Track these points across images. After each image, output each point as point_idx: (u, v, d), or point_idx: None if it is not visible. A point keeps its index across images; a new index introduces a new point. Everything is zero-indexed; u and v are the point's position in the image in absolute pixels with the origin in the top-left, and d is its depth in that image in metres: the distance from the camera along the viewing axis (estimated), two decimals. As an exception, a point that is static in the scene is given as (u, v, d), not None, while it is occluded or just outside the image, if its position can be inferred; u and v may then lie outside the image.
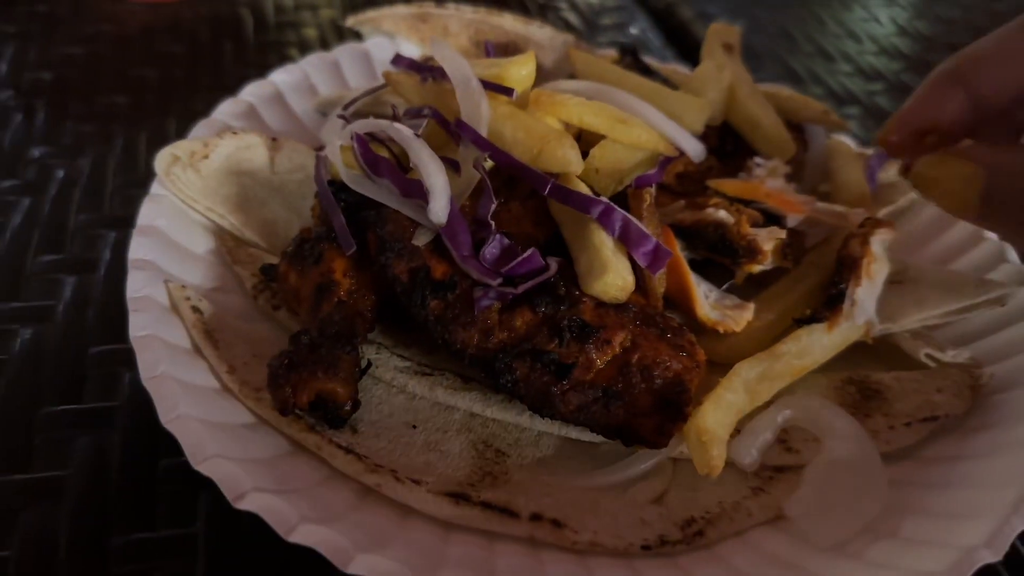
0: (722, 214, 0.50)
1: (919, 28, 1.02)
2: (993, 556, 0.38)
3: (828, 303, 0.47)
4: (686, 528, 0.41)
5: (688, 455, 0.45)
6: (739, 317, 0.48)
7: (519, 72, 0.52)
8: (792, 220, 0.53)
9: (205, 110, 0.62)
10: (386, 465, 0.42)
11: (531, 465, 0.44)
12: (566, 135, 0.50)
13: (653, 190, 0.50)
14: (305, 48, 0.83)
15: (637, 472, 0.45)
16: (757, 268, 0.50)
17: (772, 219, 0.53)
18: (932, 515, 0.42)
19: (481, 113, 0.50)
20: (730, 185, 0.54)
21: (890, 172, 0.61)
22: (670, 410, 0.43)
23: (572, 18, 0.93)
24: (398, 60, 0.55)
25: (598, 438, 0.45)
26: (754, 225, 0.50)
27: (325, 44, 0.84)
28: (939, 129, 0.42)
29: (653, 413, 0.43)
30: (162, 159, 0.52)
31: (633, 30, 0.93)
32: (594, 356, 0.43)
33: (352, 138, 0.49)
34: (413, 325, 0.48)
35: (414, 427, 0.45)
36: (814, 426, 0.45)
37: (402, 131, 0.48)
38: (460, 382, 0.47)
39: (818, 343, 0.46)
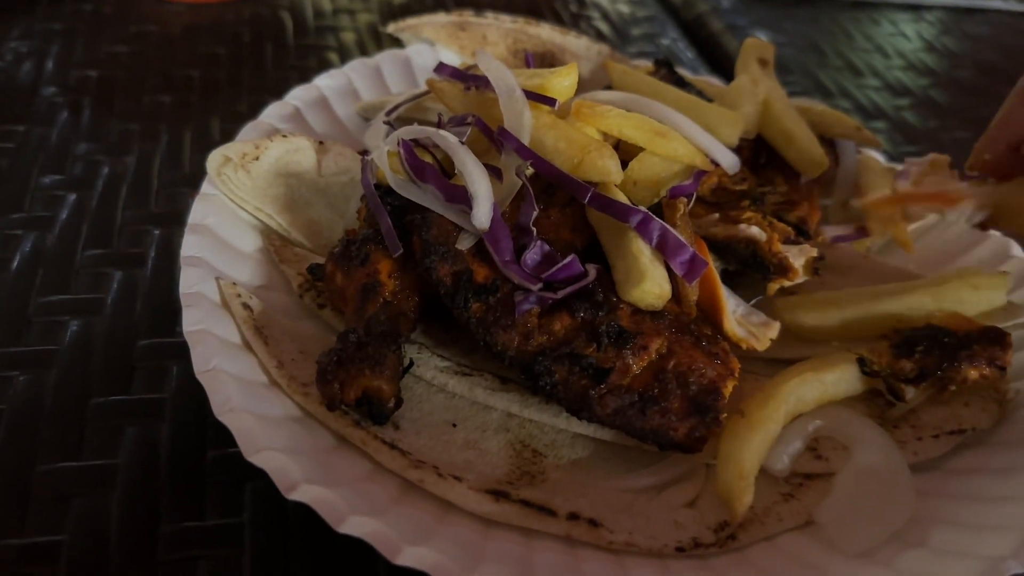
0: (754, 230, 0.51)
1: (946, 44, 1.02)
2: (1020, 567, 0.39)
3: (920, 379, 0.48)
4: (719, 531, 0.43)
5: (714, 461, 0.46)
6: (763, 335, 0.49)
7: (561, 83, 0.53)
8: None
9: (248, 111, 0.64)
10: (428, 461, 0.43)
11: (567, 466, 0.46)
12: (606, 146, 0.51)
13: (687, 201, 0.51)
14: (344, 52, 0.84)
15: (671, 476, 0.46)
16: (788, 283, 0.51)
17: (802, 233, 0.54)
18: (959, 526, 0.43)
19: (524, 122, 0.51)
20: (879, 201, 0.56)
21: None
22: (705, 416, 0.44)
23: (604, 28, 0.95)
24: (441, 68, 0.57)
25: (633, 441, 0.46)
26: (785, 242, 0.51)
27: (363, 49, 0.85)
28: None
29: (688, 418, 0.45)
30: (214, 159, 0.53)
31: (664, 41, 0.94)
32: (631, 361, 0.45)
33: (399, 144, 0.51)
34: (454, 326, 0.49)
35: (454, 425, 0.46)
36: (843, 435, 0.46)
37: (448, 138, 0.50)
38: (499, 382, 0.48)
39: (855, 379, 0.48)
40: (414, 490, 0.42)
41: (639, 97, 0.57)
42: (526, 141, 0.50)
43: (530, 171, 0.50)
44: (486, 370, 0.49)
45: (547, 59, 0.71)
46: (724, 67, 0.79)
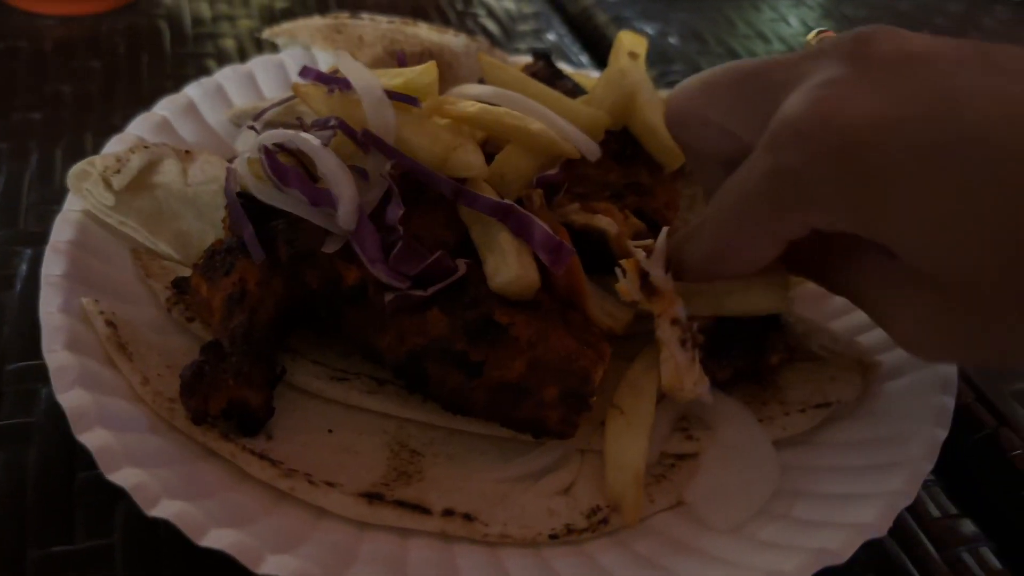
0: (606, 222, 0.52)
1: (826, 28, 1.06)
2: (879, 532, 0.41)
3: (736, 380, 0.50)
4: (591, 516, 0.44)
5: (594, 447, 0.47)
6: (621, 319, 0.50)
7: (422, 81, 0.53)
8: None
9: (122, 123, 0.62)
10: (301, 469, 0.43)
11: (445, 462, 0.46)
12: (470, 141, 0.52)
13: (542, 192, 0.52)
14: (223, 59, 0.83)
15: (546, 463, 0.47)
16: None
17: (655, 225, 0.56)
18: (824, 497, 0.45)
19: (387, 122, 0.51)
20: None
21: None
22: (576, 401, 0.45)
23: (490, 25, 0.95)
24: (306, 72, 0.56)
25: (510, 432, 0.47)
26: (636, 237, 0.52)
27: (244, 55, 0.84)
28: None
29: (560, 405, 0.46)
30: (74, 174, 0.52)
31: (550, 36, 0.95)
32: (503, 353, 0.45)
33: (260, 150, 0.50)
34: (327, 331, 0.49)
35: (330, 431, 0.46)
36: (707, 414, 0.47)
37: (309, 141, 0.50)
38: (375, 384, 0.48)
39: None
40: (288, 498, 0.42)
41: (504, 91, 0.58)
42: (391, 141, 0.51)
43: (397, 171, 0.51)
44: (362, 373, 0.49)
45: (425, 58, 0.69)
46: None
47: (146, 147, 0.54)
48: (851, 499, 0.43)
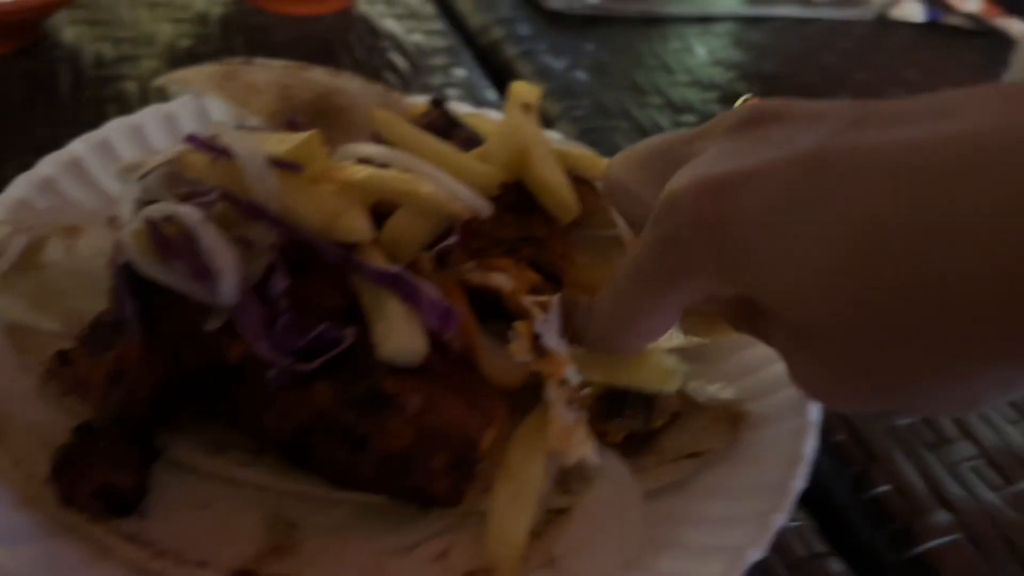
0: (501, 279, 0.53)
1: (731, 56, 1.08)
2: (725, 589, 0.43)
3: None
4: (466, 582, 0.45)
5: (477, 508, 0.48)
6: (516, 374, 0.51)
7: (307, 148, 0.54)
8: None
9: (13, 175, 0.61)
10: (173, 549, 0.43)
11: (324, 534, 0.47)
12: (355, 206, 0.52)
13: (431, 256, 0.53)
14: (123, 103, 0.82)
15: (429, 532, 0.48)
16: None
17: (553, 279, 0.57)
18: (685, 549, 0.46)
19: (270, 190, 0.51)
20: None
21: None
22: (463, 469, 0.46)
23: (399, 60, 0.96)
24: (192, 139, 0.56)
25: (391, 501, 0.48)
26: (532, 291, 0.53)
27: (145, 99, 0.83)
28: None
29: (447, 474, 0.46)
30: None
31: (459, 71, 0.96)
32: (390, 424, 0.46)
33: (145, 223, 0.50)
34: (210, 410, 0.49)
35: (205, 507, 0.47)
36: (583, 467, 0.49)
37: (189, 215, 0.50)
38: (252, 456, 0.49)
39: None
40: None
41: (394, 152, 0.58)
42: (275, 210, 0.51)
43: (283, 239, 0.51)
44: (241, 446, 0.49)
45: (319, 103, 0.71)
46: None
47: (29, 227, 0.54)
48: (706, 553, 0.45)
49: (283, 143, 0.55)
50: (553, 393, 0.48)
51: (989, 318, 0.29)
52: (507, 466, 0.48)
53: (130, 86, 0.85)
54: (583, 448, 0.47)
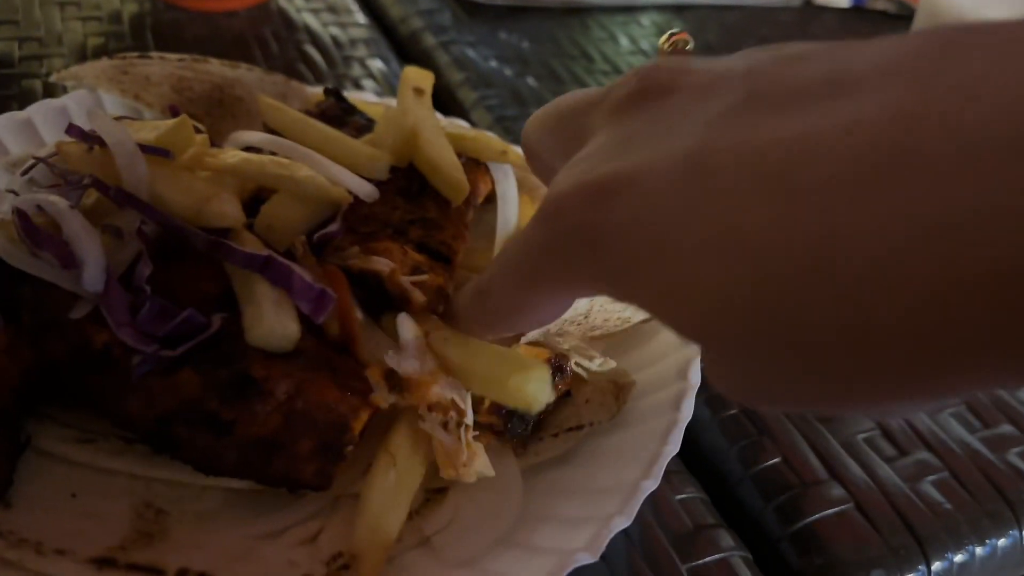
0: (380, 262, 0.53)
1: (655, 44, 1.09)
2: (591, 557, 0.43)
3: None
4: (331, 563, 0.44)
5: (350, 491, 0.48)
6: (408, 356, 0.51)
7: (177, 135, 0.53)
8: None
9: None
10: (33, 538, 0.43)
11: (192, 520, 0.46)
12: (224, 192, 0.52)
13: (304, 240, 0.53)
14: (26, 100, 0.81)
15: (300, 516, 0.47)
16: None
17: (443, 259, 0.57)
18: (557, 521, 0.46)
19: (140, 177, 0.51)
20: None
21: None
22: (331, 452, 0.46)
23: (313, 52, 0.95)
24: (71, 130, 0.56)
25: (263, 487, 0.48)
26: (414, 272, 0.53)
27: (50, 95, 0.82)
28: None
29: (314, 458, 0.46)
30: None
31: (377, 63, 0.95)
32: (257, 409, 0.46)
33: (13, 211, 0.50)
34: (76, 400, 0.49)
35: (73, 496, 0.46)
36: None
37: (56, 203, 0.49)
38: (123, 444, 0.48)
39: None
40: (15, 567, 0.42)
41: (276, 138, 0.58)
42: (144, 196, 0.51)
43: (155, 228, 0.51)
44: (112, 433, 0.48)
45: (215, 94, 0.71)
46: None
47: None
48: (574, 523, 0.45)
49: (154, 130, 0.54)
50: (427, 421, 0.47)
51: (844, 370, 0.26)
52: (389, 452, 0.48)
53: (35, 84, 0.84)
54: (473, 466, 0.46)
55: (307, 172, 0.55)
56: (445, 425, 0.47)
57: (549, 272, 0.38)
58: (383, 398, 0.47)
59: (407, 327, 0.50)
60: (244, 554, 0.44)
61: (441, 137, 0.64)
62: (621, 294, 0.35)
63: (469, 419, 0.48)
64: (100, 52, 0.90)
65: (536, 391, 0.47)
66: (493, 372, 0.48)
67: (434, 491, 0.49)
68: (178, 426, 0.45)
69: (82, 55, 0.89)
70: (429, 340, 0.50)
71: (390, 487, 0.46)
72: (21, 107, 0.78)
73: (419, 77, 0.68)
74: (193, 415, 0.45)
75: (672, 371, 0.53)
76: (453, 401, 0.48)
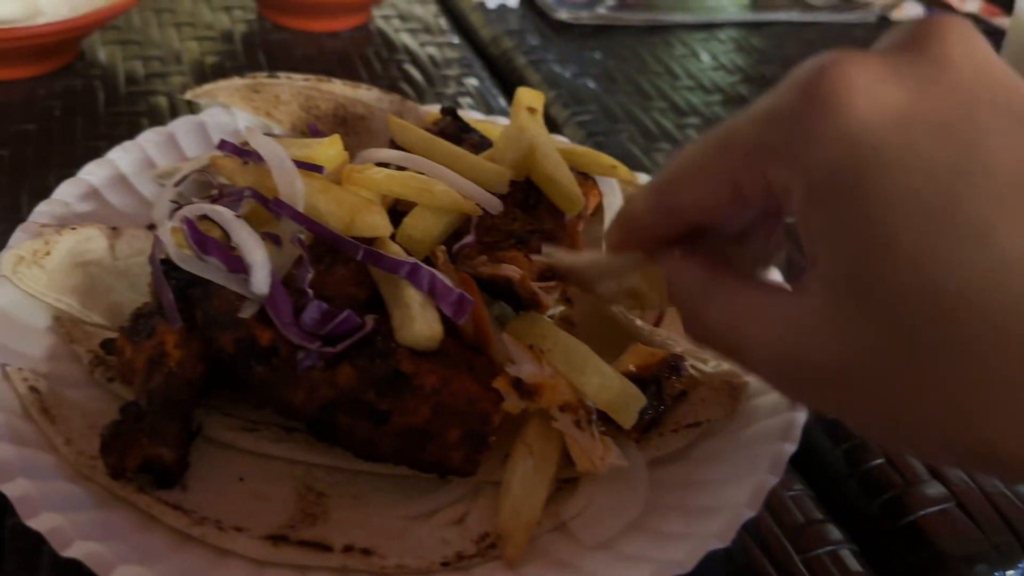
0: (511, 269, 0.57)
1: (734, 60, 1.12)
2: (722, 543, 0.46)
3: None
4: (480, 542, 0.48)
5: (492, 479, 0.52)
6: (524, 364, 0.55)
7: (328, 152, 0.59)
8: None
9: (56, 186, 0.66)
10: (212, 517, 0.47)
11: (349, 502, 0.51)
12: (374, 204, 0.57)
13: (444, 248, 0.57)
14: (155, 116, 0.87)
15: (447, 499, 0.52)
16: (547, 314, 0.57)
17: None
18: (686, 511, 0.50)
19: (296, 190, 0.56)
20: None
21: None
22: (477, 441, 0.50)
23: (413, 71, 1.00)
24: (223, 145, 0.61)
25: (413, 472, 0.52)
26: (540, 278, 0.57)
27: (175, 112, 0.88)
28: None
29: (462, 445, 0.50)
30: (7, 261, 0.56)
31: (472, 80, 1.00)
32: (409, 401, 0.50)
33: (182, 221, 0.55)
34: (241, 389, 0.54)
35: (241, 479, 0.51)
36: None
37: (222, 213, 0.54)
38: (283, 433, 0.53)
39: None
40: (194, 540, 0.46)
41: (410, 155, 0.63)
42: (300, 208, 0.55)
43: (309, 236, 0.55)
44: (271, 423, 0.53)
45: (340, 112, 0.76)
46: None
47: (74, 229, 0.58)
48: (708, 512, 0.48)
49: (306, 147, 0.59)
50: (559, 421, 0.51)
51: None
52: (526, 442, 0.52)
53: (161, 100, 0.90)
54: (608, 459, 0.50)
55: (442, 187, 0.59)
56: (577, 423, 0.51)
57: (746, 136, 0.35)
58: (514, 404, 0.51)
59: (511, 341, 0.53)
60: (400, 533, 0.49)
61: (555, 153, 0.68)
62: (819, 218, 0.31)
63: (595, 416, 0.52)
64: (216, 69, 0.96)
65: (627, 411, 0.51)
66: (591, 387, 0.51)
67: (564, 480, 0.53)
68: (340, 415, 0.50)
69: (201, 73, 0.96)
70: (536, 350, 0.53)
71: (529, 473, 0.50)
72: (151, 122, 0.85)
73: (531, 97, 0.72)
74: (352, 405, 0.50)
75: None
76: (580, 401, 0.52)
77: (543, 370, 0.52)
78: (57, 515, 0.44)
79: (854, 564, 0.54)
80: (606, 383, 0.52)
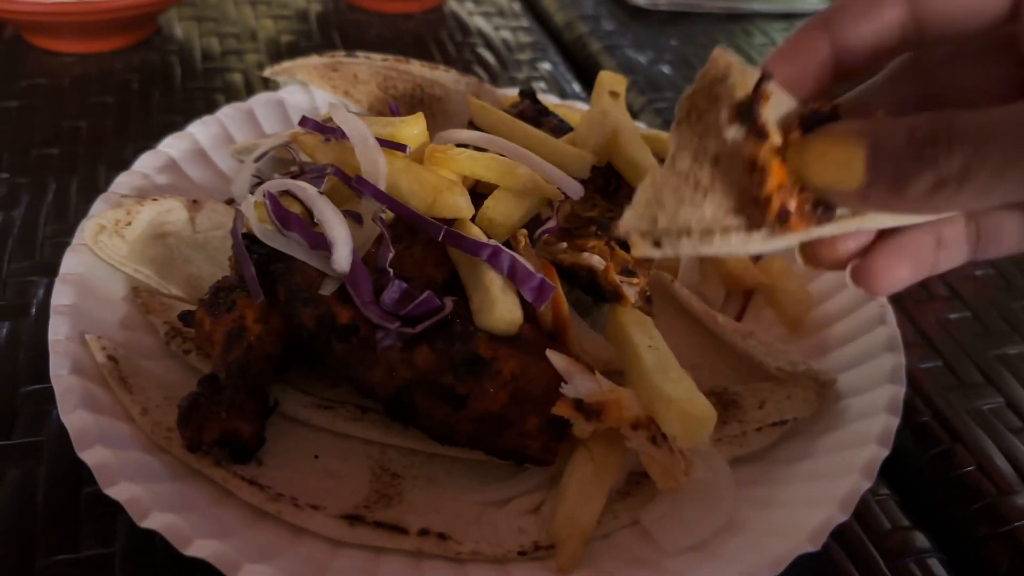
0: (595, 259, 0.55)
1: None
2: (813, 546, 0.44)
3: None
4: (556, 534, 0.47)
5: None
6: (600, 358, 0.53)
7: (411, 131, 0.58)
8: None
9: (132, 157, 0.66)
10: (287, 493, 0.47)
11: (424, 485, 0.50)
12: (456, 185, 0.56)
13: (525, 232, 0.56)
14: (230, 93, 0.87)
15: (522, 488, 0.50)
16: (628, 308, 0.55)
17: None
18: (773, 512, 0.48)
19: (378, 169, 0.55)
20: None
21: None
22: (556, 430, 0.49)
23: (487, 55, 0.99)
24: (305, 121, 0.60)
25: (488, 457, 0.51)
26: (622, 272, 0.56)
27: (250, 89, 0.88)
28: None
29: (541, 434, 0.49)
30: (89, 229, 0.56)
31: (545, 65, 0.98)
32: (487, 386, 0.49)
33: (264, 195, 0.54)
34: (319, 366, 0.53)
35: (316, 457, 0.50)
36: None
37: (306, 189, 0.54)
38: (359, 412, 0.52)
39: None
40: (269, 515, 0.46)
41: (492, 137, 0.62)
42: (382, 186, 0.54)
43: (389, 214, 0.54)
44: (347, 402, 0.52)
45: (417, 93, 0.75)
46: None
47: (155, 200, 0.58)
48: (799, 514, 0.46)
49: (389, 125, 0.58)
50: (632, 440, 0.47)
51: None
52: (587, 446, 0.49)
53: (236, 77, 0.90)
54: (690, 473, 0.47)
55: (525, 170, 0.58)
56: (652, 439, 0.47)
57: None
58: (582, 430, 0.48)
59: (557, 358, 0.50)
60: (476, 518, 0.48)
61: (638, 138, 0.66)
62: None
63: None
64: (291, 48, 0.96)
65: (695, 432, 0.46)
66: (658, 405, 0.47)
67: (640, 474, 0.51)
68: (417, 396, 0.49)
69: (276, 51, 0.95)
70: (588, 364, 0.50)
71: (588, 479, 0.48)
72: (227, 98, 0.85)
73: (614, 81, 0.70)
74: (430, 387, 0.49)
75: (881, 373, 0.54)
76: (649, 417, 0.47)
77: (600, 384, 0.48)
78: (135, 485, 0.43)
79: (942, 573, 0.51)
80: (684, 396, 0.47)
